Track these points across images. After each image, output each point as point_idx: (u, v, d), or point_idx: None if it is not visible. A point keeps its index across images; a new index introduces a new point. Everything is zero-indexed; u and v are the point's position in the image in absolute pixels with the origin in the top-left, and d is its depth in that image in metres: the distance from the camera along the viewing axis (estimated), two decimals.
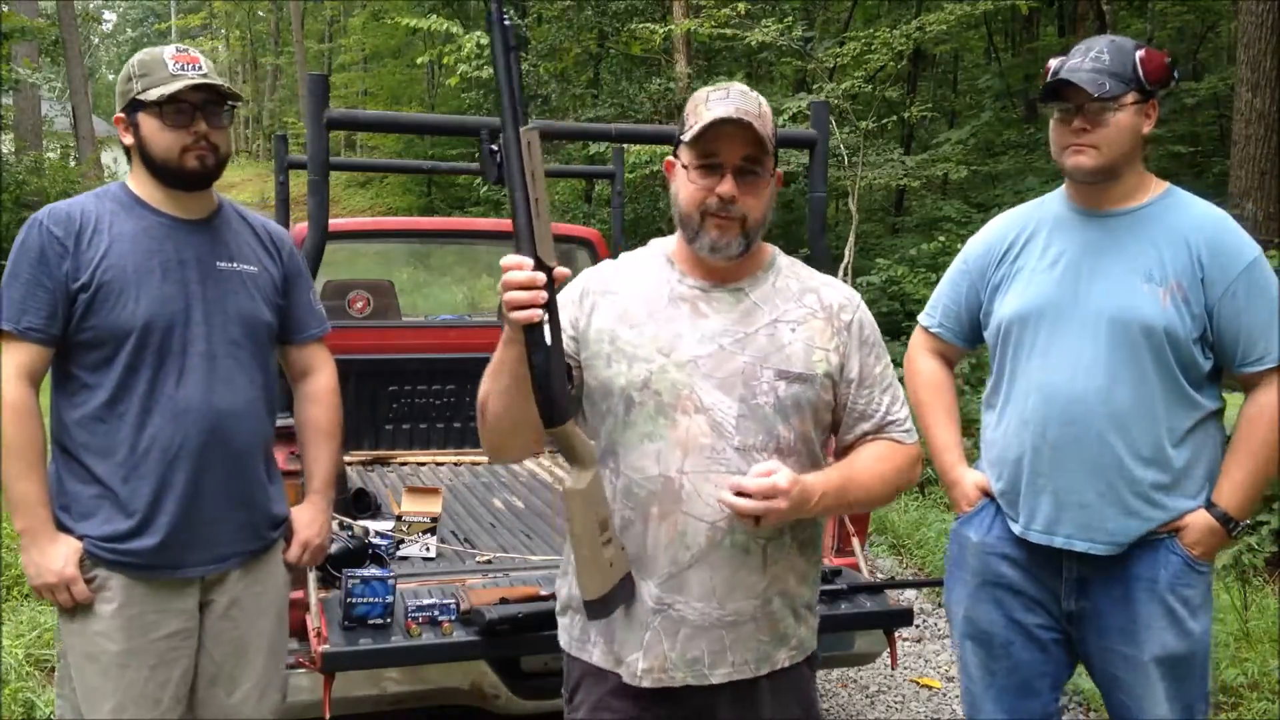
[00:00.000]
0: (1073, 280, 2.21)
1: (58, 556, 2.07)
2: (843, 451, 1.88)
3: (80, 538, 2.10)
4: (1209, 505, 2.17)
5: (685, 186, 1.78)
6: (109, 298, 2.09)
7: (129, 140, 2.18)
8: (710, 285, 1.81)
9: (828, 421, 1.85)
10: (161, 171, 2.16)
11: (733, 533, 1.73)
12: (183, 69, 2.11)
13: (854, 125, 9.72)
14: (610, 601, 1.71)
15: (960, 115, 14.69)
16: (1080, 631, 2.27)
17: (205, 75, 2.12)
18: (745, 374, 1.75)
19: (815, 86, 10.52)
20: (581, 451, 1.68)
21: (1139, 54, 2.14)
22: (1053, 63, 2.22)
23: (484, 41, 12.26)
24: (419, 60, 16.21)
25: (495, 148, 1.58)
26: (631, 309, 1.80)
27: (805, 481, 1.69)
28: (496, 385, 1.72)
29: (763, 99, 1.79)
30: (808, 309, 1.83)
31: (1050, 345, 2.21)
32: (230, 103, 2.19)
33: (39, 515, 2.08)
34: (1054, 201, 2.33)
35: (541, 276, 1.56)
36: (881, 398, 1.85)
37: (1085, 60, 2.14)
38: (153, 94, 2.10)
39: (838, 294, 1.87)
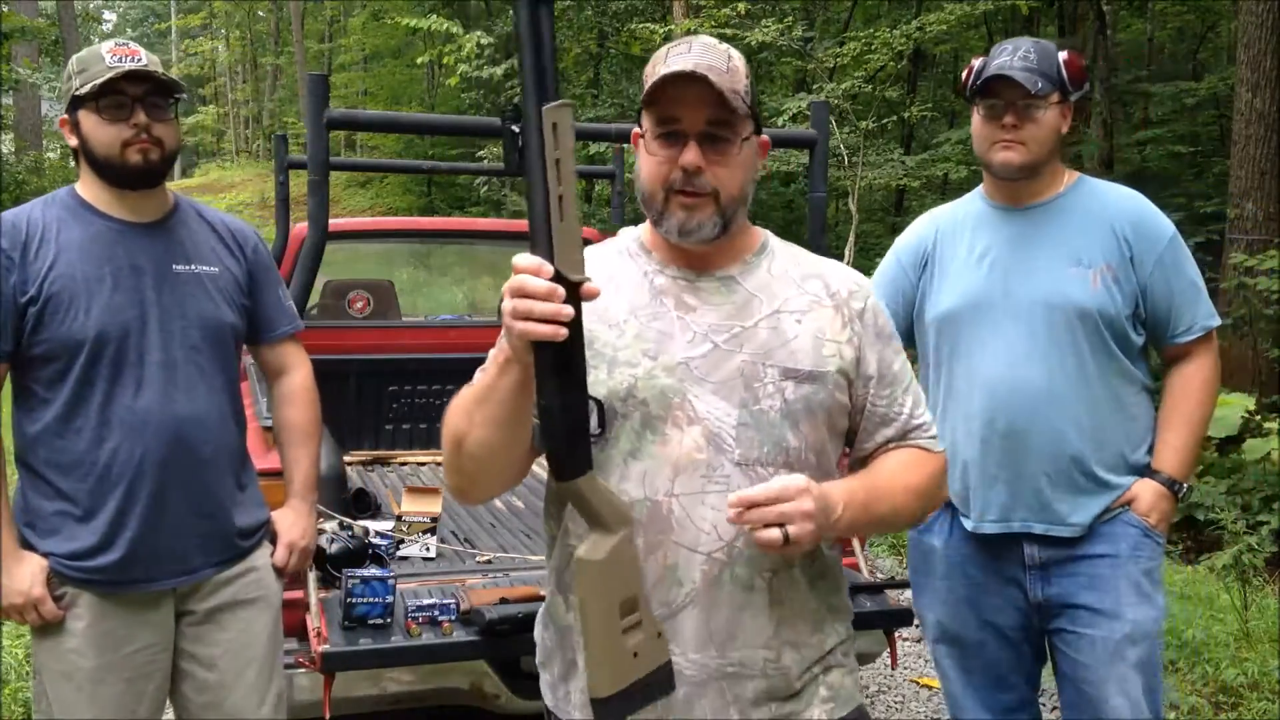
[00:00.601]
0: (1001, 274, 2.26)
1: (23, 577, 2.02)
2: (860, 463, 1.63)
3: (45, 555, 2.05)
4: (1152, 473, 2.24)
5: (645, 159, 1.51)
6: (59, 310, 2.02)
7: (74, 141, 2.11)
8: (694, 274, 1.54)
9: (843, 428, 1.58)
10: (105, 170, 2.08)
11: (734, 565, 1.46)
12: (120, 60, 2.04)
13: (854, 125, 9.72)
14: (628, 700, 1.35)
15: (960, 115, 14.66)
16: (1050, 622, 2.30)
17: (144, 65, 2.04)
18: (746, 374, 1.48)
19: (815, 86, 10.53)
20: (603, 510, 1.36)
21: (1062, 56, 2.23)
22: (976, 62, 2.29)
23: (485, 41, 12.26)
24: (419, 60, 16.22)
25: (517, 128, 1.30)
26: (610, 306, 1.52)
27: (823, 488, 1.41)
28: (481, 415, 1.42)
29: (735, 52, 1.52)
30: (812, 296, 1.56)
31: (987, 339, 2.27)
32: (175, 95, 2.10)
33: (1, 535, 2.03)
34: (973, 200, 2.40)
35: (561, 289, 1.26)
36: (904, 398, 1.59)
37: (1014, 59, 2.20)
38: (88, 87, 2.03)
39: (845, 279, 1.60)
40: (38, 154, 17.46)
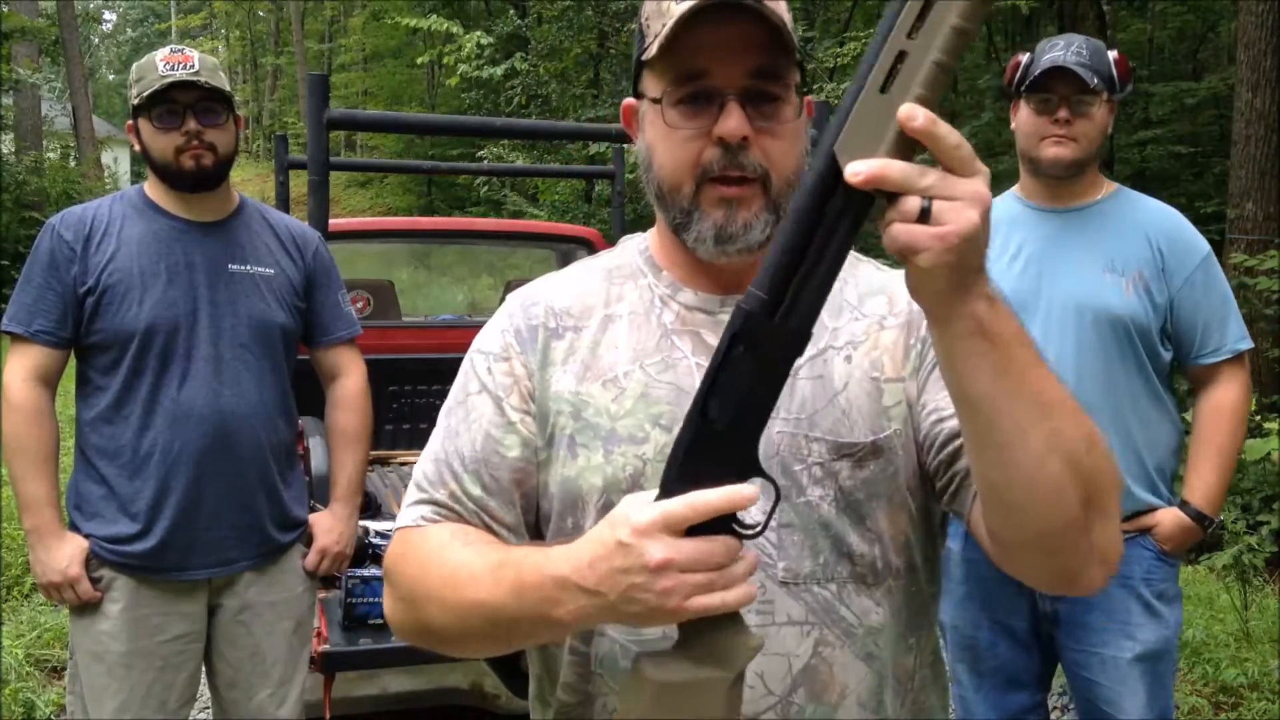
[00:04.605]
0: (1035, 274, 2.23)
1: (62, 556, 2.08)
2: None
3: (87, 537, 2.12)
4: (1182, 504, 2.20)
5: (661, 136, 1.04)
6: (114, 301, 2.09)
7: (137, 147, 2.18)
8: (719, 299, 1.10)
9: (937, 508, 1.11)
10: (163, 174, 2.16)
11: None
12: (172, 69, 2.09)
13: None
14: None
15: (960, 115, 14.68)
16: (1058, 633, 2.29)
17: (196, 73, 2.09)
18: (782, 452, 1.04)
19: (815, 86, 10.54)
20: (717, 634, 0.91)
21: (1111, 55, 2.19)
22: (1023, 56, 2.25)
23: (484, 41, 12.27)
24: (419, 60, 16.25)
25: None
26: (606, 355, 1.09)
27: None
28: (476, 629, 1.00)
29: None
30: (871, 319, 1.11)
31: None
32: (227, 99, 2.15)
33: (45, 515, 2.10)
34: (1006, 201, 2.35)
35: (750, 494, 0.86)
36: None
37: (1068, 54, 2.16)
38: (140, 97, 2.10)
39: None
40: (38, 154, 17.45)
